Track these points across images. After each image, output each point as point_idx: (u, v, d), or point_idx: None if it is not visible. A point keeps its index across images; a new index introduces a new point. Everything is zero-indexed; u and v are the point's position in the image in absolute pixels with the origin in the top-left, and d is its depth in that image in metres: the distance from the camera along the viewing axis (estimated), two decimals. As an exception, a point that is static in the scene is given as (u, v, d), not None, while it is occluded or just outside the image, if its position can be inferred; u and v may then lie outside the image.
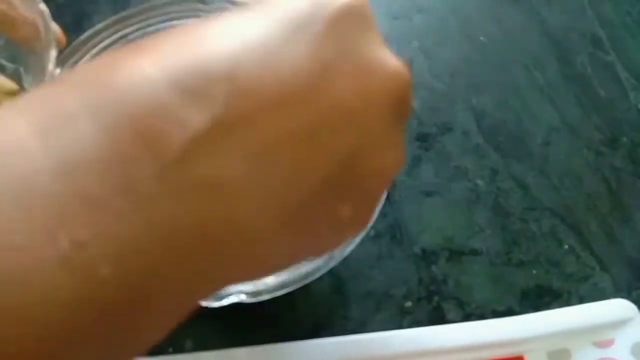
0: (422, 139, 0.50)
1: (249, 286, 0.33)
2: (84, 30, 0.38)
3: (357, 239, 0.35)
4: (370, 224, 0.21)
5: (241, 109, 0.16)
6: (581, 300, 0.44)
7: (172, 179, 0.15)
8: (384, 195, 0.21)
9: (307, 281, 0.34)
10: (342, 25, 0.18)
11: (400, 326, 0.41)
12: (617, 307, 0.43)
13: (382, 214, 0.45)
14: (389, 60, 0.18)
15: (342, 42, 0.17)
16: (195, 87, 0.15)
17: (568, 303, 0.44)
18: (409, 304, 0.42)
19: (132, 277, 0.14)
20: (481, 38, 0.56)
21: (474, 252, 0.45)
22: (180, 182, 0.15)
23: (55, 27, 0.37)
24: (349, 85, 0.17)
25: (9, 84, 0.37)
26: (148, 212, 0.14)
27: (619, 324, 0.42)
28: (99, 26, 0.37)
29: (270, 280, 0.33)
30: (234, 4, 0.39)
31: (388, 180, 0.19)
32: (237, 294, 0.32)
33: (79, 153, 0.14)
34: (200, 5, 0.38)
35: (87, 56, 0.37)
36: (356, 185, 0.18)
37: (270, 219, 0.16)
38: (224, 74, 0.16)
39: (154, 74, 0.15)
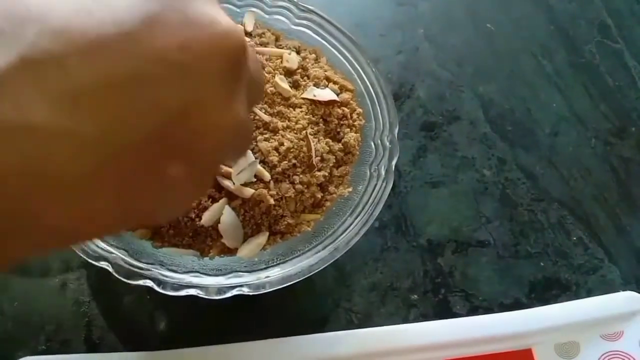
0: (428, 128, 0.49)
1: (251, 279, 0.32)
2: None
3: (362, 231, 0.34)
4: (210, 188, 0.20)
5: (51, 51, 0.15)
6: (589, 292, 0.43)
7: None
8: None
9: (311, 274, 0.33)
10: None
11: (406, 320, 0.41)
12: (625, 299, 0.42)
13: (387, 205, 0.44)
14: (220, 19, 0.18)
15: None
16: (1, 26, 0.14)
17: (576, 295, 0.43)
18: (414, 296, 0.42)
19: None
20: (488, 25, 0.55)
21: (481, 244, 0.44)
22: None
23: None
24: (174, 38, 0.16)
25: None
26: None
27: (627, 317, 0.41)
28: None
29: (273, 274, 0.33)
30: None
31: (220, 142, 0.19)
32: (239, 287, 0.32)
33: None
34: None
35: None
36: (186, 143, 0.18)
37: (86, 170, 0.15)
38: (34, 15, 0.15)
39: None
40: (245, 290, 0.32)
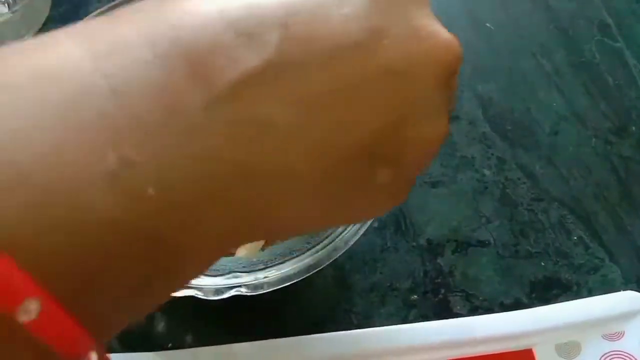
0: (427, 128, 0.48)
1: (249, 279, 0.32)
2: (81, 18, 0.37)
3: (361, 231, 0.34)
4: (405, 199, 0.20)
5: (293, 55, 0.16)
6: (590, 292, 0.43)
7: (219, 113, 0.15)
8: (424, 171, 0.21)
9: (310, 274, 0.33)
10: None
11: (405, 320, 0.41)
12: (626, 299, 0.42)
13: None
14: (440, 30, 0.19)
15: (394, 8, 0.18)
16: (250, 29, 0.16)
17: (577, 295, 0.43)
18: (414, 297, 0.42)
19: (177, 203, 0.14)
20: (487, 25, 0.55)
21: (481, 244, 0.44)
22: (228, 116, 0.15)
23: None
24: (398, 49, 0.17)
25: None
26: (195, 141, 0.15)
27: (628, 316, 0.41)
28: (95, 13, 0.37)
29: (272, 274, 0.33)
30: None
31: (429, 152, 0.19)
32: (237, 287, 0.32)
33: (133, 77, 0.14)
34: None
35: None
36: (397, 152, 0.18)
37: (314, 167, 0.16)
38: (278, 20, 0.16)
39: (210, 13, 0.16)
40: (244, 291, 0.32)
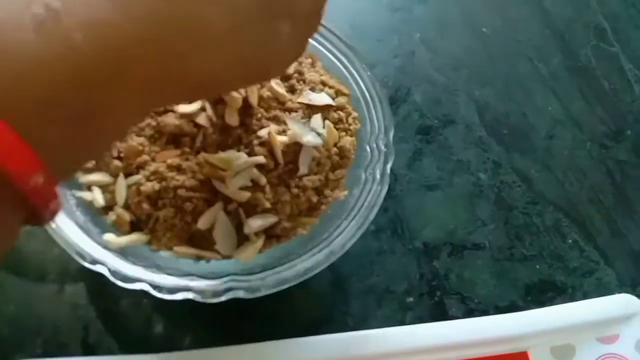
0: (424, 132, 0.49)
1: (247, 282, 0.32)
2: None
3: (358, 234, 0.35)
4: (306, 47, 0.25)
5: None
6: (585, 295, 0.43)
7: None
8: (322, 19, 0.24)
9: (307, 277, 0.33)
10: None
11: (401, 322, 0.41)
12: (621, 302, 0.42)
13: (383, 209, 0.44)
14: None
15: None
16: None
17: (572, 298, 0.43)
18: (410, 299, 0.42)
19: (104, 48, 0.16)
20: (484, 29, 0.55)
21: (477, 247, 0.44)
22: None
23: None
24: None
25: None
26: None
27: (623, 319, 0.41)
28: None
29: (269, 277, 0.33)
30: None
31: (316, 3, 0.23)
32: (235, 290, 0.32)
33: None
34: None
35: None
36: (291, 6, 0.21)
37: (224, 21, 0.18)
38: None
39: None
40: (241, 294, 0.32)
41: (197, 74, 0.19)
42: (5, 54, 0.15)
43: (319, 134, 0.35)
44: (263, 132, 0.35)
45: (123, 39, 0.16)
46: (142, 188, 0.33)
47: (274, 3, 0.20)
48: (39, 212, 0.17)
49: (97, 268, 0.31)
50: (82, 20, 0.15)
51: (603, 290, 0.44)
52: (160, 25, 0.17)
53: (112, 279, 0.31)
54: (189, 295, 0.32)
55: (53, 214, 0.18)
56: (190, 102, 0.33)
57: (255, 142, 0.34)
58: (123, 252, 0.32)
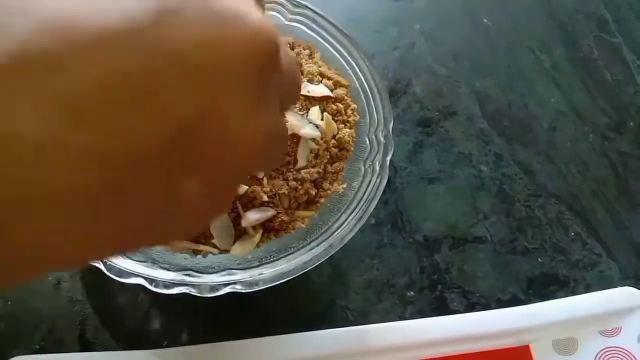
0: (425, 124, 0.48)
1: (244, 276, 0.32)
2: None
3: (357, 227, 0.34)
4: (228, 206, 0.18)
5: (45, 49, 0.13)
6: (587, 288, 0.43)
7: None
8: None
9: (305, 271, 0.33)
10: None
11: (402, 317, 0.40)
12: (624, 295, 0.42)
13: (383, 202, 0.44)
14: (248, 13, 0.16)
15: None
16: None
17: (574, 291, 0.43)
18: (411, 293, 0.41)
19: None
20: (485, 20, 0.54)
21: (478, 240, 0.44)
22: None
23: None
24: (190, 35, 0.14)
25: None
26: None
27: (625, 312, 0.41)
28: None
29: (267, 271, 0.32)
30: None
31: (245, 155, 0.16)
32: (232, 284, 0.31)
33: None
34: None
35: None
36: (203, 157, 0.15)
37: (77, 186, 0.13)
38: (28, 7, 0.13)
39: None
40: (239, 288, 0.32)
41: (30, 253, 0.14)
42: None
43: (317, 126, 0.35)
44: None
45: None
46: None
47: (174, 158, 0.15)
48: None
49: (93, 262, 0.31)
50: None
51: (606, 283, 0.43)
52: None
53: (107, 273, 0.31)
54: (186, 290, 0.31)
55: None
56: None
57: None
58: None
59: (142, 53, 0.14)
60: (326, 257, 0.33)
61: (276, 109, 0.18)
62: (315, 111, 0.36)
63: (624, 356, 0.39)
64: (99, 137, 0.13)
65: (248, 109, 0.16)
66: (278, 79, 0.18)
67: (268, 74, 0.17)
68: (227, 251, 0.33)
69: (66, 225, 0.14)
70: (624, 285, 0.42)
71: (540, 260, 0.44)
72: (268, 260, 0.33)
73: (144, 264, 0.31)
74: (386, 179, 0.36)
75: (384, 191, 0.36)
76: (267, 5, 0.40)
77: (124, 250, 0.18)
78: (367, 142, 0.37)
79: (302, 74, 0.37)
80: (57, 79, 0.13)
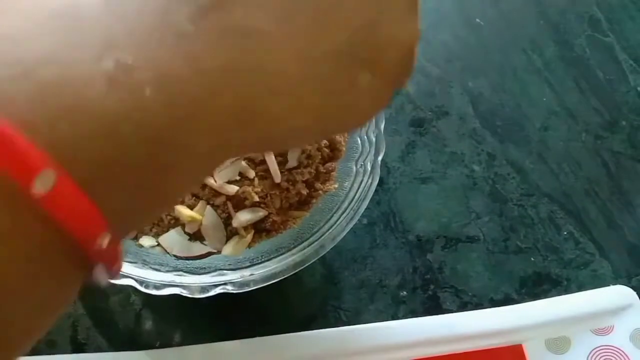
0: (417, 124, 0.48)
1: (235, 277, 0.32)
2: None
3: (349, 227, 0.34)
4: (389, 103, 0.21)
5: None
6: (580, 287, 0.43)
7: (206, 23, 0.16)
8: (408, 82, 0.21)
9: (297, 271, 0.33)
10: None
11: (395, 316, 0.40)
12: (616, 293, 0.42)
13: (376, 202, 0.44)
14: None
15: None
16: None
17: (567, 290, 0.43)
18: (404, 293, 0.41)
19: (174, 103, 0.15)
20: (477, 20, 0.54)
21: (471, 240, 0.44)
22: (214, 25, 0.16)
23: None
24: None
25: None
26: (185, 47, 0.15)
27: (618, 311, 0.41)
28: None
29: (258, 271, 0.32)
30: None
31: (405, 55, 0.20)
32: (223, 285, 0.31)
33: None
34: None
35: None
36: (374, 55, 0.19)
37: (297, 70, 0.17)
38: None
39: None
40: (230, 289, 0.32)
41: (268, 122, 0.18)
42: (76, 113, 0.14)
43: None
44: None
45: (194, 93, 0.16)
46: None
47: (353, 52, 0.19)
48: (99, 273, 0.16)
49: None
50: (153, 75, 0.15)
51: (598, 282, 0.43)
52: (232, 76, 0.16)
53: (98, 274, 0.31)
54: (177, 291, 0.31)
55: (114, 275, 0.17)
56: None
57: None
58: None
59: None
60: (317, 258, 0.33)
61: (419, 21, 0.21)
62: None
63: (616, 355, 0.39)
64: (309, 33, 0.17)
65: (405, 17, 0.19)
66: None
67: None
68: (218, 252, 0.33)
69: (289, 98, 0.18)
70: (616, 284, 0.43)
71: (532, 259, 0.44)
72: (259, 261, 0.33)
73: (135, 264, 0.31)
74: (377, 179, 0.36)
75: (377, 191, 0.36)
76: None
77: (321, 134, 0.24)
78: (359, 142, 0.37)
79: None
80: None
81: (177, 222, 0.33)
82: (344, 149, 0.37)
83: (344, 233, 0.34)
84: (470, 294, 0.42)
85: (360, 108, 0.20)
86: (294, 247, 0.34)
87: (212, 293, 0.31)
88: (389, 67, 0.20)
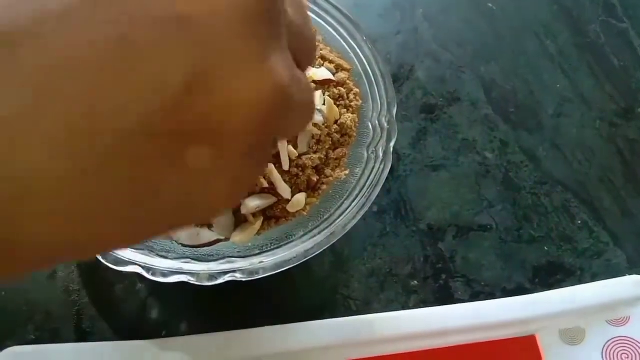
0: (428, 110, 0.47)
1: (244, 264, 0.31)
2: None
3: (360, 214, 0.33)
4: (257, 177, 0.16)
5: (19, 23, 0.12)
6: (594, 277, 0.42)
7: None
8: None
9: (307, 259, 0.32)
10: None
11: (406, 306, 0.40)
12: (631, 283, 0.41)
13: (386, 190, 0.43)
14: None
15: None
16: None
17: (581, 280, 0.42)
18: (415, 282, 0.41)
19: None
20: (489, 5, 0.53)
21: (483, 228, 0.43)
22: None
23: None
24: None
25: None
26: None
27: (634, 301, 0.40)
28: None
29: (268, 259, 0.31)
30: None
31: (258, 115, 0.15)
32: (232, 273, 0.31)
33: None
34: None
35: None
36: (208, 123, 0.14)
37: (68, 166, 0.12)
38: None
39: None
40: (238, 277, 0.31)
41: (32, 249, 0.13)
42: None
43: (319, 111, 0.34)
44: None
45: None
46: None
47: (175, 127, 0.13)
48: None
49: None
50: None
51: (613, 272, 0.42)
52: None
53: (103, 261, 0.30)
54: (184, 279, 0.30)
55: None
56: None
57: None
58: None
59: (116, 19, 0.13)
60: (328, 245, 0.32)
61: (288, 61, 0.16)
62: (316, 95, 0.35)
63: (632, 346, 0.39)
64: (79, 114, 0.12)
65: (248, 65, 0.14)
66: (284, 27, 0.16)
67: (267, 22, 0.15)
68: (226, 239, 0.32)
69: (70, 214, 0.13)
70: (631, 274, 0.42)
71: (546, 248, 0.43)
72: (269, 249, 0.32)
73: (141, 251, 0.30)
74: (390, 165, 0.35)
75: (387, 179, 0.35)
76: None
77: (137, 240, 0.16)
78: (370, 127, 0.36)
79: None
80: (34, 52, 0.12)
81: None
82: (355, 134, 0.36)
83: (355, 221, 0.33)
84: (482, 283, 0.41)
85: (198, 196, 0.15)
86: (304, 235, 0.33)
87: (220, 281, 0.30)
88: (239, 134, 0.14)
